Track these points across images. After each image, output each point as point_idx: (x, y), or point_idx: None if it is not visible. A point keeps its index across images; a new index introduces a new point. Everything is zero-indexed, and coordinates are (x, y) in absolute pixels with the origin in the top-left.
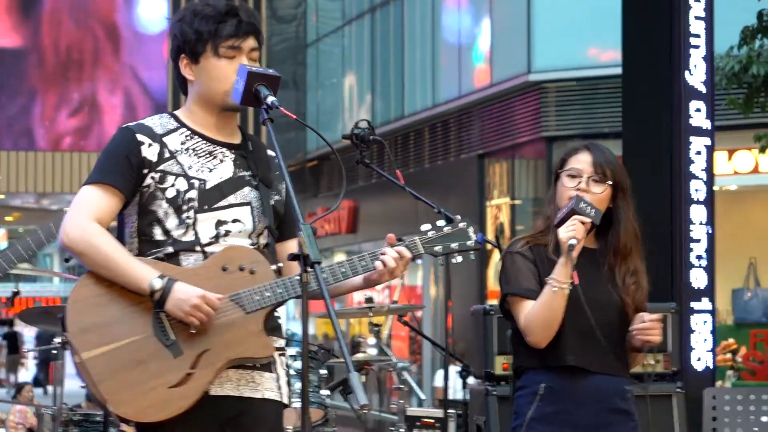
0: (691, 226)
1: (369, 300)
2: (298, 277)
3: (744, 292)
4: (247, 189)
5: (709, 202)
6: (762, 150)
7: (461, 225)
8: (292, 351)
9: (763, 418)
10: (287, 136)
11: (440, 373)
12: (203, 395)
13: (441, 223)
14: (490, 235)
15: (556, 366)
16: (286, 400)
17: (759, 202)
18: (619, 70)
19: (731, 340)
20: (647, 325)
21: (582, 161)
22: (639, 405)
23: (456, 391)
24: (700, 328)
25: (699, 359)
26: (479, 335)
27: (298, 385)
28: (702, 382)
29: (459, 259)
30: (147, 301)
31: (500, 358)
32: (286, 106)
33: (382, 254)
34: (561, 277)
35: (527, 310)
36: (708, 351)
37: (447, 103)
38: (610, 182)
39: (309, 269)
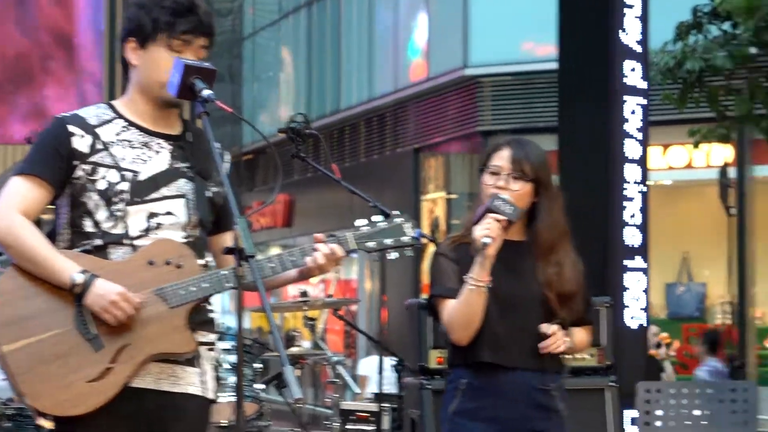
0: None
1: (304, 294)
2: (225, 272)
3: (677, 286)
4: (182, 181)
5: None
6: (696, 145)
7: (397, 220)
8: (227, 345)
9: (696, 412)
10: (223, 130)
11: (364, 361)
12: (122, 390)
13: (377, 218)
14: (426, 230)
15: (474, 363)
16: (210, 395)
17: (693, 197)
18: (554, 65)
19: (665, 334)
20: (547, 342)
21: (502, 158)
22: (572, 399)
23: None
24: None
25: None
26: (414, 329)
27: (232, 379)
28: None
29: (394, 255)
30: (70, 295)
31: (434, 352)
32: (222, 99)
33: (314, 250)
34: (478, 276)
35: (448, 309)
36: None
37: (383, 97)
38: (529, 178)
39: (244, 263)
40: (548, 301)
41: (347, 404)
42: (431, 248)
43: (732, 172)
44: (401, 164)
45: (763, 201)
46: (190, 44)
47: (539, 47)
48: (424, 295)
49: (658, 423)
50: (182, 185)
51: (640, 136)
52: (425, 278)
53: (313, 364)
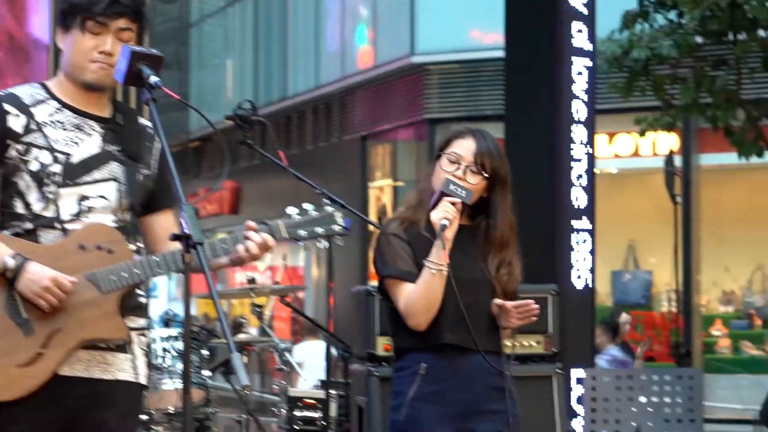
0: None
1: (251, 281)
2: (158, 258)
3: (623, 274)
4: (114, 164)
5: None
6: (642, 133)
7: (328, 209)
8: (173, 332)
9: (641, 399)
10: (170, 117)
11: (299, 347)
12: (52, 375)
13: (308, 206)
14: (373, 217)
15: (435, 345)
16: (143, 381)
17: (639, 185)
18: (501, 54)
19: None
20: (531, 303)
21: (464, 148)
22: (519, 386)
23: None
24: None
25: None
26: (361, 316)
27: (179, 366)
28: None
29: (325, 243)
30: (1, 279)
31: (382, 339)
32: (169, 86)
33: (246, 239)
34: (438, 259)
35: (407, 294)
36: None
37: (330, 84)
38: (487, 175)
39: (191, 250)
40: (495, 288)
41: (295, 391)
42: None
43: (678, 161)
44: (348, 152)
45: (708, 189)
46: (107, 26)
47: (486, 35)
48: (372, 283)
49: (605, 410)
50: (114, 169)
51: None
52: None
53: (260, 351)
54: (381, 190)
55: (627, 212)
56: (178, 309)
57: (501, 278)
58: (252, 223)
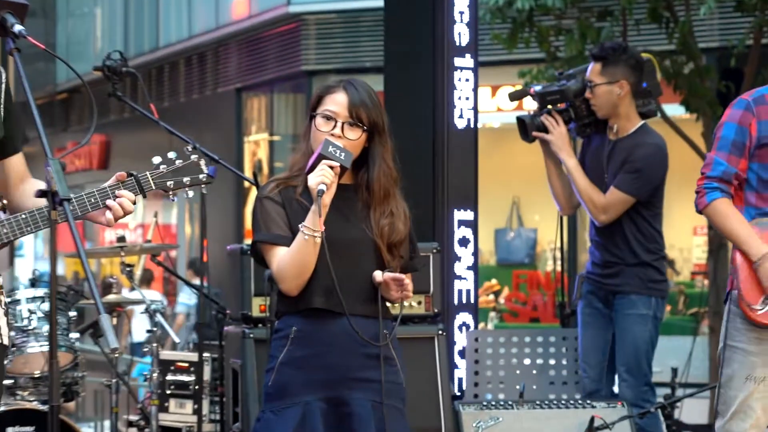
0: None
1: (121, 239)
2: (25, 216)
3: (507, 232)
4: None
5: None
6: (527, 86)
7: (193, 158)
8: (39, 292)
9: (526, 361)
10: (36, 67)
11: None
12: None
13: (172, 154)
14: (248, 172)
15: (306, 309)
16: (5, 341)
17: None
18: (380, 3)
19: (494, 281)
20: (403, 277)
21: (338, 103)
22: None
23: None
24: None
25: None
26: (235, 276)
27: (45, 328)
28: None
29: (190, 193)
30: None
31: (257, 300)
32: (35, 35)
33: (117, 197)
34: (313, 225)
35: (279, 258)
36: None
37: (203, 34)
38: (365, 127)
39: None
40: (378, 248)
41: (167, 354)
42: (255, 192)
43: None
44: (223, 105)
45: None
46: None
47: None
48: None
49: (488, 372)
50: None
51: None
52: (248, 223)
53: (130, 313)
54: (257, 145)
55: (510, 169)
56: (45, 268)
57: (383, 230)
58: (122, 173)
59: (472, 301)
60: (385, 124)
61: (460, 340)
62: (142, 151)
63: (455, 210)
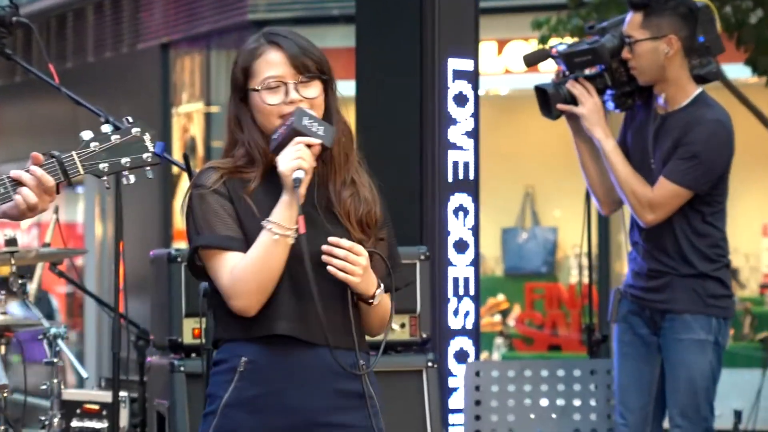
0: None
1: (11, 242)
2: None
3: (518, 232)
4: None
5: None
6: (543, 41)
7: (135, 132)
8: None
9: (542, 402)
10: None
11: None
12: None
13: (106, 128)
14: (177, 155)
15: (263, 336)
16: None
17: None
18: None
19: (501, 298)
20: (343, 245)
21: (275, 63)
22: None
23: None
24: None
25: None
26: (162, 290)
27: None
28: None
29: (132, 178)
30: None
31: (189, 322)
32: None
33: (19, 186)
34: (284, 221)
35: (232, 267)
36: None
37: None
38: (324, 76)
39: None
40: (351, 236)
41: (71, 393)
42: (186, 180)
43: None
44: (144, 65)
45: None
46: None
47: None
48: (177, 245)
49: (493, 417)
50: None
51: None
52: (177, 221)
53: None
54: (188, 118)
55: (522, 149)
56: None
57: (346, 205)
58: (38, 155)
59: (472, 323)
60: (331, 68)
61: (457, 374)
62: (38, 126)
63: (449, 201)
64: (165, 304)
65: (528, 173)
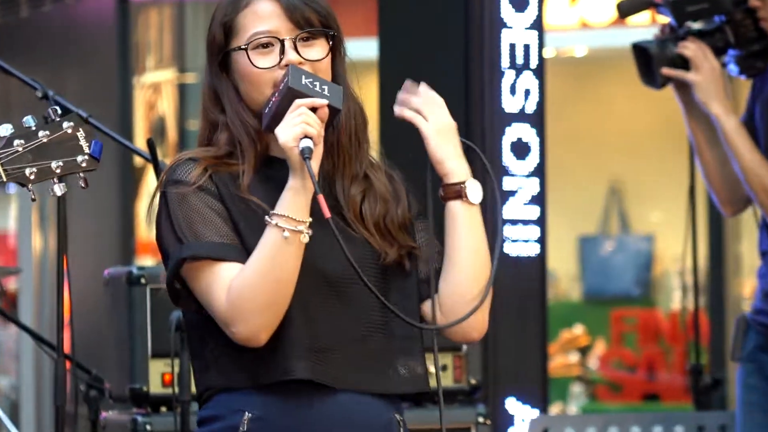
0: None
1: None
2: None
3: (601, 242)
4: None
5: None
6: None
7: (66, 127)
8: None
9: None
10: None
11: None
12: None
13: (29, 120)
14: (140, 140)
15: (271, 383)
16: None
17: (627, 77)
18: None
19: (578, 330)
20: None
21: (266, 17)
22: None
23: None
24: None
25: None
26: (120, 322)
27: None
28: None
29: (60, 189)
30: None
31: (157, 365)
32: None
33: None
34: (295, 212)
35: (230, 282)
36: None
37: None
38: (331, 32)
39: None
40: (379, 257)
41: None
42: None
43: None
44: (96, 22)
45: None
46: None
47: None
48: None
49: None
50: None
51: None
52: (141, 230)
53: None
54: (156, 90)
55: (608, 129)
56: None
57: (356, 205)
58: None
59: (539, 364)
60: (340, 28)
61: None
62: None
63: (509, 204)
64: (124, 340)
65: (614, 162)
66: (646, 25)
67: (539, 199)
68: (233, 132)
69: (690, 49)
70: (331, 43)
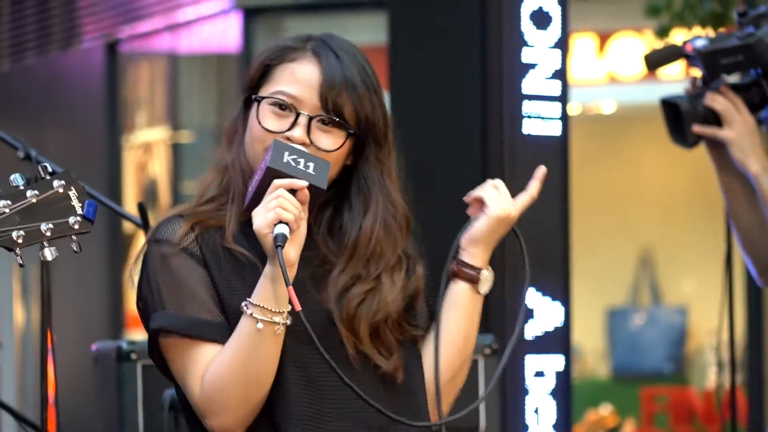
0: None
1: None
2: None
3: (631, 314)
4: None
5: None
6: (662, 33)
7: (57, 186)
8: None
9: None
10: None
11: None
12: None
13: (18, 180)
14: (130, 204)
15: None
16: None
17: (656, 134)
18: None
19: (607, 410)
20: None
21: (301, 79)
22: None
23: None
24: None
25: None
26: (109, 401)
27: None
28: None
29: (51, 254)
30: None
31: None
32: None
33: None
34: (268, 302)
35: (205, 367)
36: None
37: None
38: (351, 130)
39: None
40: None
41: None
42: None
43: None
44: (83, 75)
45: None
46: None
47: None
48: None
49: None
50: None
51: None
52: (132, 300)
53: None
54: (147, 150)
55: (637, 191)
56: None
57: (349, 305)
58: None
59: None
60: (388, 127)
61: None
62: None
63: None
64: (114, 420)
65: (644, 228)
66: (679, 80)
67: (563, 276)
68: (231, 173)
69: (720, 102)
70: (355, 137)
